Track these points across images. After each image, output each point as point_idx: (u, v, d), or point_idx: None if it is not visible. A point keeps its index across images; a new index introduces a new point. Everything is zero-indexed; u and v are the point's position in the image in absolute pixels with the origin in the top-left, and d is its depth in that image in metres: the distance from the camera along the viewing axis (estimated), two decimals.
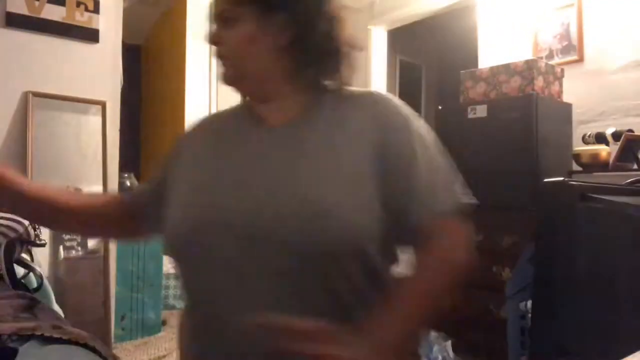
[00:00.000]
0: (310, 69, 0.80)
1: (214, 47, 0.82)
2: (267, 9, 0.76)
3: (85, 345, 0.64)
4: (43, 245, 0.92)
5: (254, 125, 0.83)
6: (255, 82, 0.82)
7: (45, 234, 1.45)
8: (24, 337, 0.61)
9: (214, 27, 0.81)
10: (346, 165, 0.74)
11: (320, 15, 0.77)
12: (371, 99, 0.81)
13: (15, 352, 0.63)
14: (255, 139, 0.81)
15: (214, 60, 4.12)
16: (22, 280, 0.86)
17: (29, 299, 0.75)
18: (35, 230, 0.88)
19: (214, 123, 0.94)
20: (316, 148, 0.76)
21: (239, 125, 0.86)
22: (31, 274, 0.88)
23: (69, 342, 0.63)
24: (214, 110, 4.14)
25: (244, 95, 0.89)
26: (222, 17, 0.80)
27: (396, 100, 0.83)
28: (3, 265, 0.80)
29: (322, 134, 0.77)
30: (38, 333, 0.62)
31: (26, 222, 0.87)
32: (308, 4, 0.77)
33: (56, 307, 0.84)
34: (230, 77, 0.82)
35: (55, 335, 0.63)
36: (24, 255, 0.89)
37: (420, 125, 0.81)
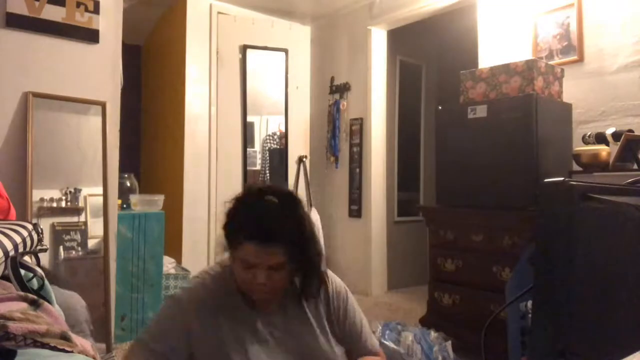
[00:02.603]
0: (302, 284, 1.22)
1: (261, 284, 1.12)
2: (296, 265, 1.16)
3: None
4: (45, 250, 0.92)
5: (252, 312, 1.18)
6: (277, 297, 1.20)
7: (46, 235, 1.44)
8: (30, 343, 0.61)
9: (263, 273, 1.10)
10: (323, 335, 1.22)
11: (315, 261, 1.19)
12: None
13: (13, 353, 0.63)
14: (263, 322, 1.18)
15: (214, 60, 4.11)
16: (28, 283, 0.86)
17: (33, 299, 0.75)
18: (38, 235, 0.88)
19: (213, 307, 1.17)
20: (306, 328, 1.21)
21: (240, 313, 1.17)
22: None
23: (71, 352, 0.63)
24: (213, 111, 4.15)
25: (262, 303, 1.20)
26: (272, 267, 1.10)
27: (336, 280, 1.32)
28: (9, 267, 0.80)
29: (301, 319, 1.22)
30: (46, 342, 0.62)
31: (30, 226, 0.86)
32: (313, 260, 1.19)
33: (57, 308, 0.84)
34: (269, 300, 1.18)
35: (60, 347, 0.63)
36: (26, 258, 0.89)
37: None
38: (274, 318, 1.19)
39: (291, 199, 1.15)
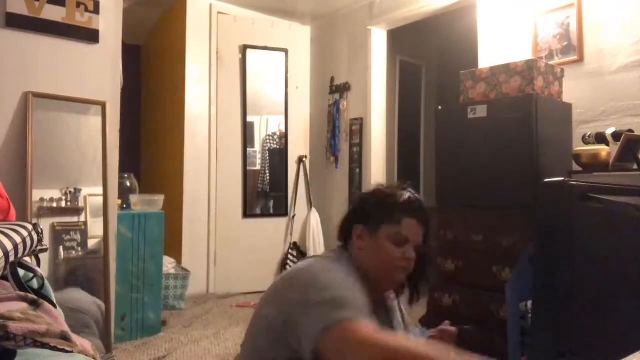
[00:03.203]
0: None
1: (411, 259, 1.20)
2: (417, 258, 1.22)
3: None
4: (45, 250, 0.92)
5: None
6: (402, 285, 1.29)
7: (46, 235, 1.44)
8: (30, 343, 0.61)
9: (413, 250, 1.19)
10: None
11: (429, 257, 1.27)
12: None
13: (13, 353, 0.63)
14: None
15: (214, 60, 4.11)
16: (28, 283, 0.86)
17: (33, 299, 0.76)
18: (38, 235, 0.88)
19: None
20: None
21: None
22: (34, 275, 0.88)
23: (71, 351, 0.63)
24: (213, 111, 4.15)
25: (389, 288, 1.28)
26: (416, 247, 1.19)
27: None
28: (8, 268, 0.80)
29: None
30: (46, 342, 0.62)
31: (30, 227, 0.86)
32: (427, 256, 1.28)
33: (58, 308, 0.85)
34: (399, 284, 1.25)
35: (60, 347, 0.63)
36: (26, 258, 0.89)
37: None
38: (382, 311, 1.24)
39: None
